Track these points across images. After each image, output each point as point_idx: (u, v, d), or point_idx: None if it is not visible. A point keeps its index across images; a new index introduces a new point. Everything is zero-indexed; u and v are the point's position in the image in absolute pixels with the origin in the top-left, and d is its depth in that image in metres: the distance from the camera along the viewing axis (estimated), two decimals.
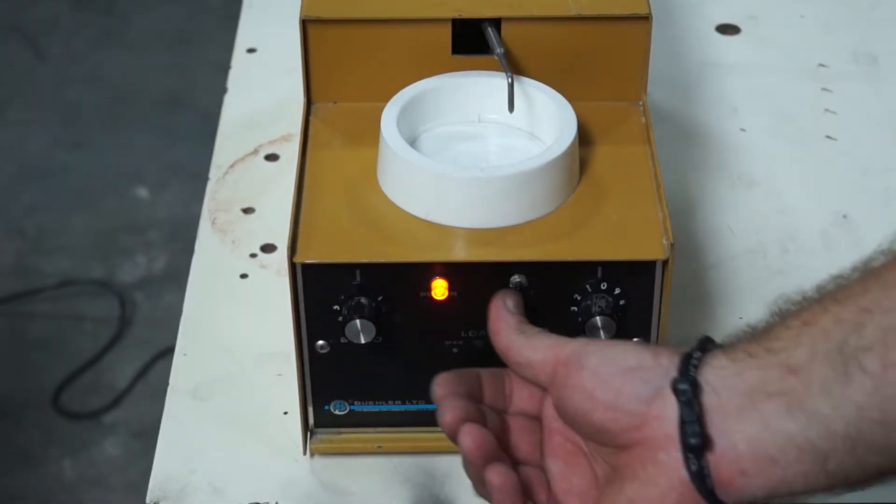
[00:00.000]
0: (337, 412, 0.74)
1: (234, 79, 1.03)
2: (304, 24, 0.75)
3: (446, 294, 0.69)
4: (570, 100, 0.74)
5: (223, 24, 1.05)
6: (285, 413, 0.78)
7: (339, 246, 0.69)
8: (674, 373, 0.60)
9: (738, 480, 0.59)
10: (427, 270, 0.69)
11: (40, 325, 1.93)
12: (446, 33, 0.76)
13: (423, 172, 0.70)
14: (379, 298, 0.69)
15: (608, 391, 0.61)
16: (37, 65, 2.40)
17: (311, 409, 0.75)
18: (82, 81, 2.35)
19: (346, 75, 0.77)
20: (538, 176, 0.70)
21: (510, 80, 0.74)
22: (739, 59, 1.04)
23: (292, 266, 0.69)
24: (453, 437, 0.65)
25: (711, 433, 0.59)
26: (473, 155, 0.74)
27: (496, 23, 0.75)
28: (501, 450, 0.65)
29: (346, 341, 0.70)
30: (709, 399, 0.59)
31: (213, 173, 0.94)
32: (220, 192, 0.93)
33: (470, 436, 0.64)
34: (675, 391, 0.59)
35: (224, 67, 1.04)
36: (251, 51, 1.05)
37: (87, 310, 1.95)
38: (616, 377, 0.61)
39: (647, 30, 0.75)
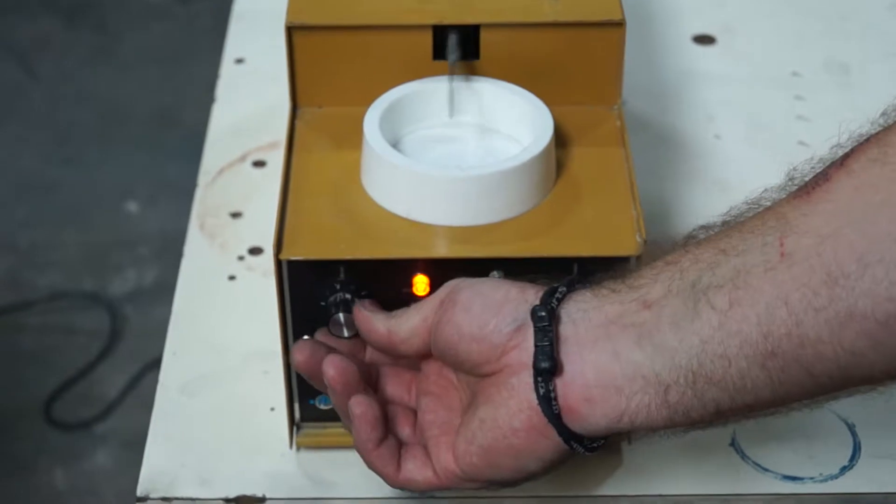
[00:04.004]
0: (322, 407, 0.76)
1: (222, 88, 1.05)
2: (290, 30, 0.77)
3: (427, 290, 0.71)
4: (547, 103, 0.76)
5: (214, 41, 1.07)
6: (272, 409, 0.80)
7: (323, 243, 0.71)
8: (536, 304, 0.63)
9: (583, 407, 0.61)
10: (409, 267, 0.71)
11: (32, 338, 1.94)
12: (427, 39, 0.78)
13: (405, 172, 0.72)
14: (362, 294, 0.71)
15: (474, 324, 0.64)
16: (29, 83, 2.42)
17: (296, 404, 0.76)
18: (74, 99, 2.37)
19: (331, 80, 0.79)
20: (515, 176, 0.72)
21: (451, 85, 0.76)
22: (715, 68, 1.06)
23: (278, 263, 0.70)
24: (310, 372, 0.68)
25: (563, 360, 0.61)
26: (454, 156, 0.76)
27: (475, 29, 0.77)
28: (365, 383, 0.68)
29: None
30: (566, 329, 0.62)
31: (202, 179, 0.96)
32: (209, 198, 0.95)
33: (333, 366, 0.67)
34: (533, 317, 0.62)
35: (215, 84, 1.06)
36: (239, 61, 1.07)
37: (79, 322, 1.96)
38: (484, 311, 0.64)
39: (622, 35, 0.77)
